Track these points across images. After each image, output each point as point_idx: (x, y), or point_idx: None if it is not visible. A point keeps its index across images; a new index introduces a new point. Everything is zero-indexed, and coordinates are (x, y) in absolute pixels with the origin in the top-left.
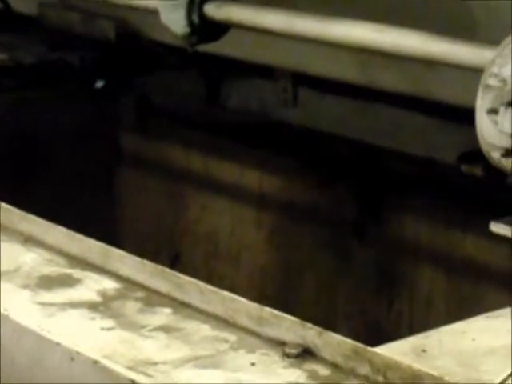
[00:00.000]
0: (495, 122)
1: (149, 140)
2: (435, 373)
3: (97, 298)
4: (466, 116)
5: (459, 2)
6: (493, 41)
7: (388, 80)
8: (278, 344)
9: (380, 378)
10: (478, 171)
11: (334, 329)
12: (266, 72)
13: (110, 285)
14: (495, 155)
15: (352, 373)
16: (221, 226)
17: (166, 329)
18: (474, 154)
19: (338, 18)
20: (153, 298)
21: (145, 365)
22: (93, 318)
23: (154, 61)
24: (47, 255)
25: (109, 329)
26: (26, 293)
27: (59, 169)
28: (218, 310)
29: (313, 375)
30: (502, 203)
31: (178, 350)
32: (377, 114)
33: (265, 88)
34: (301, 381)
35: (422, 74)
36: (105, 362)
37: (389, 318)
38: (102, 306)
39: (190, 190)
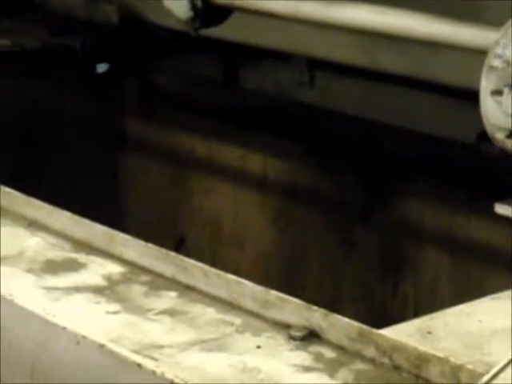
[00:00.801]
0: (499, 104)
1: (152, 125)
2: (441, 354)
3: (102, 282)
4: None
5: None
6: (497, 22)
7: (391, 62)
8: (284, 327)
9: (386, 360)
10: (496, 150)
11: (339, 312)
12: (281, 54)
13: (115, 269)
14: (500, 136)
15: (358, 355)
16: (225, 210)
17: (171, 312)
18: None
19: (342, 1)
20: (158, 281)
21: (150, 348)
22: (98, 302)
23: (157, 45)
24: (51, 239)
25: (114, 313)
26: (31, 277)
27: (62, 154)
28: (223, 293)
29: (318, 358)
30: (507, 185)
31: (184, 334)
32: (393, 94)
33: (281, 70)
34: (306, 363)
35: (426, 56)
36: (110, 345)
37: (394, 301)
38: (107, 290)
39: (194, 175)
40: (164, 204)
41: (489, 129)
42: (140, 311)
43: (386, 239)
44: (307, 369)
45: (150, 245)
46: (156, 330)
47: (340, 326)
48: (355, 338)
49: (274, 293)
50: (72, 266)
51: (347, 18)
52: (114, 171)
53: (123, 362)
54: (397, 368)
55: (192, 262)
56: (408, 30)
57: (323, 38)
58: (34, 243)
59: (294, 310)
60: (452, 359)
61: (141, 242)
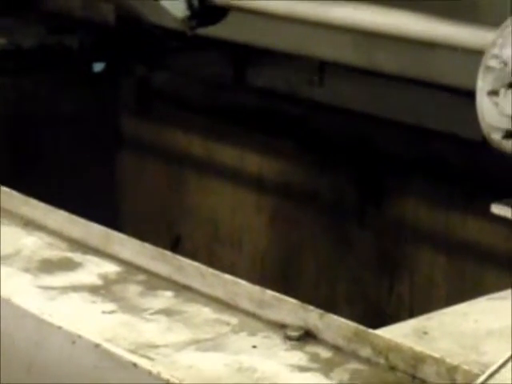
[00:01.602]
0: (496, 104)
1: (149, 123)
2: (437, 355)
3: (98, 282)
4: None
5: None
6: (493, 23)
7: (389, 62)
8: (280, 327)
9: (381, 360)
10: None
11: (335, 312)
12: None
13: (111, 268)
14: (496, 137)
15: (353, 355)
16: (221, 209)
17: (167, 312)
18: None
19: (338, 0)
20: (154, 281)
21: (146, 348)
22: (94, 302)
23: (155, 44)
24: (48, 239)
25: (110, 312)
26: (27, 276)
27: (59, 153)
28: (219, 292)
29: (314, 358)
30: (503, 185)
31: (180, 333)
32: (402, 91)
33: (291, 68)
34: (302, 363)
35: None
36: (106, 345)
37: (389, 301)
38: (103, 290)
39: (191, 174)
40: (160, 203)
41: (485, 129)
42: (136, 311)
43: (382, 239)
44: (303, 369)
45: (147, 244)
46: (152, 330)
47: (336, 326)
48: (351, 338)
49: (270, 293)
50: (68, 265)
51: (344, 18)
52: (110, 170)
53: (119, 361)
54: (392, 368)
55: (188, 261)
56: (405, 29)
57: (322, 38)
58: (31, 242)
59: (290, 309)
60: (448, 359)
61: (137, 242)
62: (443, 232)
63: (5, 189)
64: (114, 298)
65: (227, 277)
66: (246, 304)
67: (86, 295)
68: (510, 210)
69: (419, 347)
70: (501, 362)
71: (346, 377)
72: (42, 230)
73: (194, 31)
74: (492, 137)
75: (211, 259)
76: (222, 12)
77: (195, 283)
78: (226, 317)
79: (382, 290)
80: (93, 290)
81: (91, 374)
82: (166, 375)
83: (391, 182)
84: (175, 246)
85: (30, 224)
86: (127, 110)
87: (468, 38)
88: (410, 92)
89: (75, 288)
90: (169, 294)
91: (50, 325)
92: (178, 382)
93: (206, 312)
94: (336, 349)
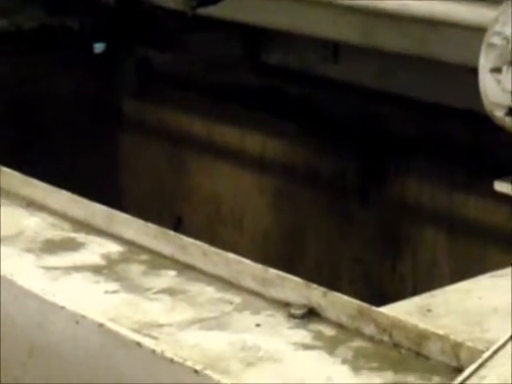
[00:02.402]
0: (498, 81)
1: (150, 104)
2: (441, 332)
3: (101, 262)
4: None
5: None
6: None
7: (390, 41)
8: (283, 305)
9: (385, 338)
10: None
11: (338, 292)
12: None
13: (113, 248)
14: (499, 114)
15: (357, 333)
16: (223, 189)
17: (170, 291)
18: None
19: None
20: (157, 260)
21: (150, 327)
22: (97, 282)
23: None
24: (50, 219)
25: (113, 292)
26: (30, 257)
27: (60, 134)
28: (223, 271)
29: (318, 336)
30: (506, 164)
31: (183, 312)
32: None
33: (305, 45)
34: (306, 341)
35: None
36: (110, 324)
37: (392, 280)
38: (106, 270)
39: (192, 154)
40: (162, 184)
41: (488, 106)
42: (139, 290)
43: (385, 218)
44: (307, 347)
45: (149, 224)
46: (155, 309)
47: (339, 303)
48: (355, 315)
49: (273, 271)
50: (71, 245)
51: None
52: (111, 151)
53: (122, 340)
54: (396, 345)
55: (191, 240)
56: (407, 8)
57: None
58: (33, 223)
59: (294, 288)
60: (452, 336)
61: (140, 222)
62: (446, 210)
63: (7, 170)
64: (117, 278)
65: (230, 256)
66: (249, 282)
67: (89, 275)
68: None
69: (423, 324)
70: (506, 338)
71: (349, 354)
72: (45, 211)
73: (194, 11)
74: (495, 114)
75: (213, 240)
76: None
77: (198, 262)
78: (229, 295)
79: (385, 270)
80: (96, 269)
81: (95, 353)
82: (169, 354)
83: (394, 161)
84: (177, 226)
85: (32, 205)
86: (128, 90)
87: (470, 16)
88: (417, 69)
89: (78, 268)
90: (172, 273)
91: (53, 305)
92: (181, 360)
93: (210, 291)
94: (340, 327)
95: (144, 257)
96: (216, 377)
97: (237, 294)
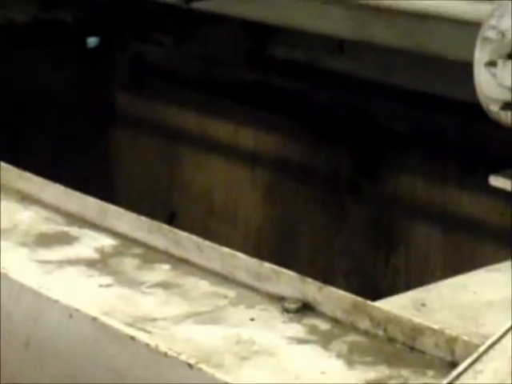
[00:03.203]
0: (494, 75)
1: (143, 99)
2: (435, 326)
3: (95, 255)
4: None
5: None
6: None
7: (382, 35)
8: (278, 299)
9: (380, 332)
10: None
11: (332, 286)
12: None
13: (107, 242)
14: (494, 108)
15: (352, 327)
16: (216, 184)
17: (164, 285)
18: None
19: None
20: (151, 254)
21: (144, 321)
22: (91, 275)
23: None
24: (44, 213)
25: (107, 286)
26: (24, 251)
27: (53, 128)
28: (217, 265)
29: (312, 330)
30: (500, 158)
31: (177, 307)
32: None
33: (311, 36)
34: (300, 336)
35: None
36: (103, 318)
37: (386, 275)
38: (99, 263)
39: (185, 149)
40: (155, 179)
41: (483, 101)
42: (133, 284)
43: (378, 213)
44: (301, 341)
45: (143, 217)
46: (149, 303)
47: (334, 298)
48: (349, 310)
49: (267, 265)
50: (65, 239)
51: None
52: (105, 146)
53: (116, 334)
54: (391, 340)
55: (185, 234)
56: (401, 1)
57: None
58: (27, 217)
59: (288, 282)
60: (447, 331)
61: (133, 215)
62: (439, 205)
63: (0, 163)
64: (111, 272)
65: (224, 249)
66: (243, 277)
67: (82, 269)
68: (508, 181)
69: (418, 319)
70: (501, 332)
71: (344, 349)
72: (39, 204)
73: (188, 5)
74: (490, 108)
75: (206, 235)
76: None
77: (192, 256)
78: (223, 290)
79: (379, 264)
80: (90, 263)
81: (89, 347)
82: (163, 348)
83: (387, 156)
84: (170, 221)
85: (26, 198)
86: (121, 85)
87: (464, 10)
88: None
89: (72, 262)
90: (166, 267)
91: (47, 298)
92: (175, 354)
93: (204, 285)
94: (334, 321)
95: (138, 251)
96: (210, 371)
97: (231, 288)
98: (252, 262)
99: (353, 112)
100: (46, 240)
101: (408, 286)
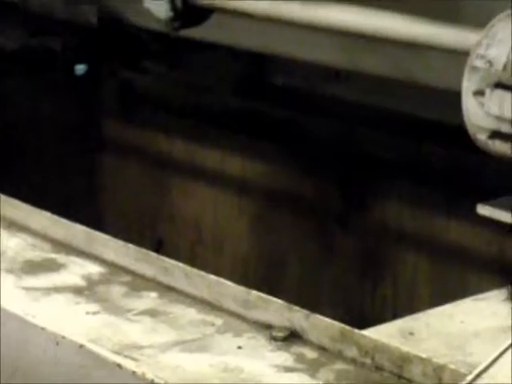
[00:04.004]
0: (481, 104)
1: (131, 126)
2: (423, 355)
3: (81, 283)
4: None
5: None
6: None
7: (371, 64)
8: (265, 327)
9: (368, 361)
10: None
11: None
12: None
13: (94, 269)
14: (481, 137)
15: (339, 355)
16: (203, 212)
17: (151, 313)
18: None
19: (322, 1)
20: (138, 282)
21: (131, 349)
22: (78, 303)
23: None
24: (31, 240)
25: (94, 313)
26: (11, 278)
27: (41, 155)
28: (204, 293)
29: (300, 358)
30: (487, 187)
31: (164, 334)
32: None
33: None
34: (288, 364)
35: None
36: (90, 346)
37: (373, 304)
38: (86, 291)
39: (173, 177)
40: (142, 207)
41: (470, 129)
42: (120, 311)
43: (366, 243)
44: (289, 369)
45: (130, 245)
46: (136, 331)
47: (322, 326)
48: (337, 338)
49: (255, 293)
50: (52, 266)
51: (326, 19)
52: (92, 173)
53: (103, 362)
54: (379, 368)
55: (172, 262)
56: (388, 31)
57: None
58: (14, 244)
59: (276, 310)
60: (434, 359)
61: (120, 242)
62: (426, 235)
63: None
64: (98, 299)
65: (212, 277)
66: (231, 304)
67: (69, 296)
68: (496, 210)
69: (405, 347)
70: (488, 361)
71: (331, 377)
72: (25, 231)
73: (177, 33)
74: (478, 137)
75: (193, 262)
76: (206, 13)
77: (180, 284)
78: (211, 317)
79: (366, 294)
80: (77, 290)
81: (75, 374)
82: (150, 376)
83: (374, 185)
84: (157, 249)
85: (13, 225)
86: (109, 112)
87: (451, 39)
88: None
89: (59, 289)
90: (153, 294)
91: (34, 326)
92: (162, 382)
93: (191, 313)
94: (322, 349)
95: (125, 278)
96: None
97: (218, 315)
98: (239, 290)
99: (340, 140)
100: (32, 267)
101: (395, 315)
